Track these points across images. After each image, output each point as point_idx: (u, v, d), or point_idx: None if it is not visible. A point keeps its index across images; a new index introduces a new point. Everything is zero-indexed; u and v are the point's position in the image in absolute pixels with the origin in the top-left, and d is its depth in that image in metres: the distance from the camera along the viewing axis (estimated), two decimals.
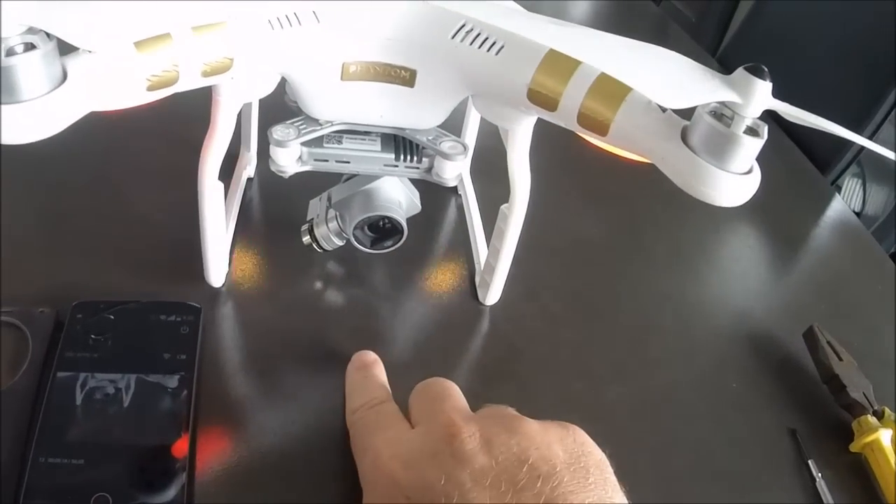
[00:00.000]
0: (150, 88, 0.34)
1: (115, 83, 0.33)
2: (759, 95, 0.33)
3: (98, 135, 0.57)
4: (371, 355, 0.44)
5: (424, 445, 0.35)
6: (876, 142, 0.37)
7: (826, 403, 0.52)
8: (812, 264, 0.69)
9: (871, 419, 0.48)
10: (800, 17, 1.20)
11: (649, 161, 0.36)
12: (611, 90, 0.36)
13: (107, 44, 0.31)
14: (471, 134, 0.58)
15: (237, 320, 0.49)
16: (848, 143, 0.95)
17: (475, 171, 0.62)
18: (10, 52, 0.29)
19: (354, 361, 0.44)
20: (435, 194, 0.59)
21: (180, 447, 0.39)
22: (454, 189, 0.63)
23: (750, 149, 0.34)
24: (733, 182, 0.34)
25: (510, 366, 0.50)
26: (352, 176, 0.49)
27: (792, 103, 0.35)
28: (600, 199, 0.68)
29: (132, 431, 0.39)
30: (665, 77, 0.35)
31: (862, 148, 0.97)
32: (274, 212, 0.58)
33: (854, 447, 0.48)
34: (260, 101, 0.56)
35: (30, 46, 0.29)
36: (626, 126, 0.36)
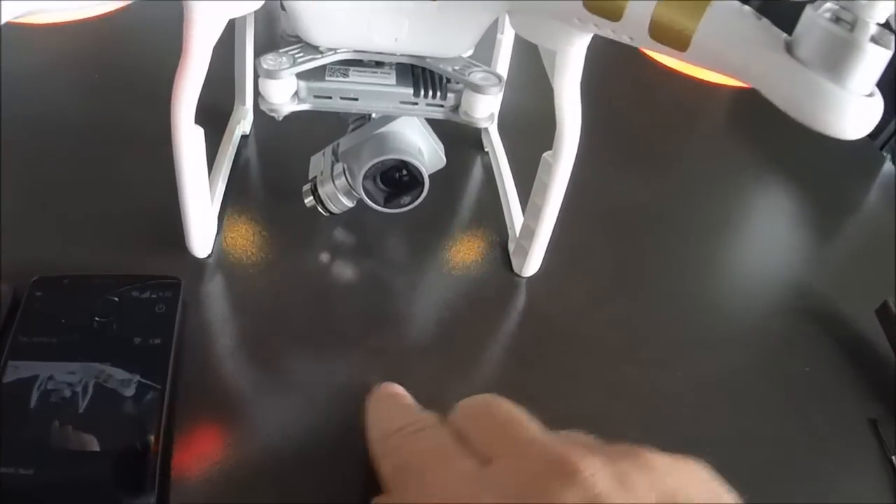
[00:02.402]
0: None
1: None
2: None
3: (62, 89, 0.52)
4: (398, 387, 0.36)
5: (525, 489, 0.26)
6: None
7: None
8: (875, 234, 0.62)
9: None
10: None
11: (742, 82, 0.29)
12: None
13: None
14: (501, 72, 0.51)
15: (226, 298, 0.43)
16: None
17: (500, 128, 0.56)
18: None
19: (380, 390, 0.36)
20: (457, 151, 0.52)
21: (151, 452, 0.33)
22: (479, 146, 0.57)
23: (877, 62, 0.27)
24: (858, 104, 0.27)
25: (551, 348, 0.43)
26: (361, 124, 0.42)
27: None
28: (642, 156, 0.62)
29: (93, 434, 0.33)
30: None
31: None
32: (272, 172, 0.52)
33: None
34: (256, 47, 0.51)
35: None
36: (714, 36, 0.28)
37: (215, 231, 0.44)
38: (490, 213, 0.51)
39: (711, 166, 0.63)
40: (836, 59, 0.27)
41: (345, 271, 0.46)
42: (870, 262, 0.57)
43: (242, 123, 0.52)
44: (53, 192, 0.47)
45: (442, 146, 0.43)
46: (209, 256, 0.44)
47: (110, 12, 0.57)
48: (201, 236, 0.42)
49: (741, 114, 0.73)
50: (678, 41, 0.29)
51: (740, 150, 0.66)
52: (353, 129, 0.42)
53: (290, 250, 0.46)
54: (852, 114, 0.27)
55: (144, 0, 0.29)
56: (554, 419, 0.38)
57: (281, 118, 0.37)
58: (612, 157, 0.61)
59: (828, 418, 0.43)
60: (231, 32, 0.49)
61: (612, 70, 0.72)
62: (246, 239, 0.46)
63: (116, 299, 0.38)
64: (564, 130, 0.37)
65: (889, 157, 0.79)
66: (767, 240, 0.58)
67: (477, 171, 0.55)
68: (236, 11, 0.33)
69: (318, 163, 0.44)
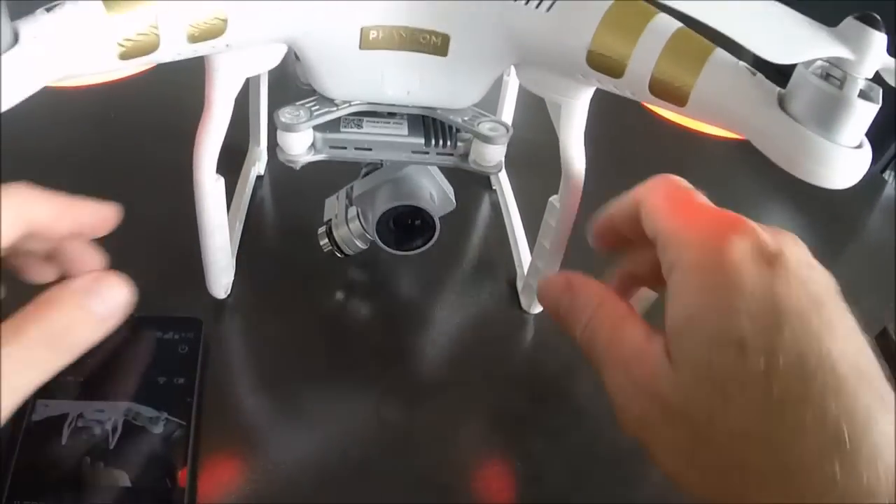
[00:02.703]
0: (124, 56, 0.27)
1: (79, 49, 0.26)
2: (875, 50, 0.27)
3: (87, 128, 0.52)
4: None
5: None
6: None
7: None
8: (876, 260, 0.61)
9: None
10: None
11: (738, 135, 0.30)
12: (690, 49, 0.30)
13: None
14: (506, 118, 0.52)
15: (245, 337, 0.43)
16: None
17: (508, 165, 0.56)
18: None
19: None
20: (466, 190, 0.53)
21: (178, 487, 0.34)
22: (488, 184, 0.57)
23: (865, 116, 0.28)
24: (847, 157, 0.28)
25: (563, 384, 0.43)
26: (374, 169, 0.43)
27: None
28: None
29: (124, 470, 0.34)
30: (765, 27, 0.28)
31: None
32: (287, 213, 0.53)
33: None
34: (270, 88, 0.52)
35: None
36: (710, 92, 0.30)
37: (233, 272, 0.45)
38: (498, 251, 0.52)
39: (713, 195, 0.62)
40: (827, 115, 0.28)
41: (359, 308, 0.46)
42: (871, 287, 0.57)
43: (258, 164, 0.53)
44: None
45: (451, 189, 0.44)
46: (228, 296, 0.44)
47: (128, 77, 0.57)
48: (220, 277, 0.43)
49: (741, 142, 0.73)
50: (677, 97, 0.30)
51: (741, 177, 0.66)
52: (367, 174, 0.43)
53: (306, 290, 0.47)
54: (842, 166, 0.28)
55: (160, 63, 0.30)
56: (573, 452, 0.39)
57: (299, 168, 0.38)
58: (616, 185, 0.60)
59: None
60: None
61: (618, 108, 0.73)
62: (263, 279, 0.46)
63: (142, 339, 0.39)
64: (570, 177, 0.38)
65: (893, 175, 0.78)
66: None
67: (485, 209, 0.56)
68: (255, 70, 0.34)
69: (333, 206, 0.45)
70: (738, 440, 0.25)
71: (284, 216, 0.53)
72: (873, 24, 0.27)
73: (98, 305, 0.30)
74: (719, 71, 0.30)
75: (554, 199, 0.40)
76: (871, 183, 0.72)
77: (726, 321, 0.26)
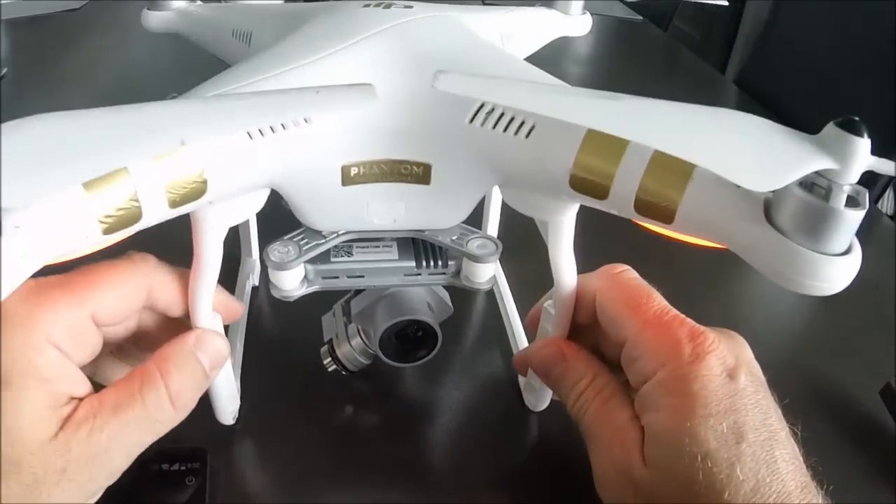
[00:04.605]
0: (108, 231, 0.27)
1: (63, 231, 0.26)
2: (860, 157, 0.27)
3: None
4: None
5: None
6: None
7: None
8: (875, 304, 0.59)
9: None
10: (817, 25, 1.14)
11: (725, 247, 0.30)
12: (674, 165, 0.30)
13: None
14: (493, 221, 0.53)
15: (251, 460, 0.43)
16: None
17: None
18: None
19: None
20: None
21: None
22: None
23: (852, 224, 0.28)
24: (836, 268, 0.28)
25: (573, 484, 0.42)
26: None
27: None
28: (640, 255, 0.61)
29: None
30: (743, 148, 0.28)
31: None
32: (285, 323, 0.52)
33: None
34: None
35: None
36: (697, 209, 0.29)
37: (240, 398, 0.44)
38: (498, 348, 0.51)
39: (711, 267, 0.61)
40: (814, 227, 0.27)
41: (362, 419, 0.46)
42: (875, 336, 0.55)
43: (252, 276, 0.53)
44: None
45: (447, 294, 0.44)
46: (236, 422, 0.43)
47: None
48: (228, 407, 0.42)
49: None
50: (663, 215, 0.30)
51: None
52: (359, 290, 0.43)
53: (310, 404, 0.46)
54: (832, 275, 0.28)
55: None
56: None
57: (293, 301, 0.38)
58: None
59: None
60: None
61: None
62: (266, 395, 0.46)
63: (147, 472, 0.38)
64: (562, 286, 0.37)
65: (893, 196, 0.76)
66: (763, 318, 0.57)
67: (481, 305, 0.55)
68: (241, 217, 0.34)
69: (331, 323, 0.45)
70: None
71: (283, 328, 0.52)
72: (855, 129, 0.27)
73: (206, 359, 0.32)
74: (704, 186, 0.29)
75: (549, 304, 0.40)
76: (866, 219, 0.70)
77: (695, 437, 0.31)
